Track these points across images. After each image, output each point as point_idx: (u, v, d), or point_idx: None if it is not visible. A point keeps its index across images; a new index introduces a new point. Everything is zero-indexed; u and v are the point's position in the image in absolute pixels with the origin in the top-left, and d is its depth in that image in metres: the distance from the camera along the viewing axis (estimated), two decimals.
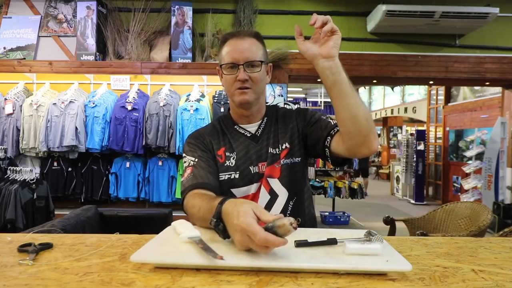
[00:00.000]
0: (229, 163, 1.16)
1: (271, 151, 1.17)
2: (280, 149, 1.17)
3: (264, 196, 1.14)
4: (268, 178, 1.15)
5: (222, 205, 0.78)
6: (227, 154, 1.17)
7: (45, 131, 3.50)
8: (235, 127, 1.22)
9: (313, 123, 1.16)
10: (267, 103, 1.41)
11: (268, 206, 1.13)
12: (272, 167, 1.15)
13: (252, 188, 1.15)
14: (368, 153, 1.01)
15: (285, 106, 3.55)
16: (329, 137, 1.08)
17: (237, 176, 1.14)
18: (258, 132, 1.20)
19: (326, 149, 1.09)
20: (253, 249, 0.69)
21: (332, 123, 1.11)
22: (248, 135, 1.20)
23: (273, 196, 1.14)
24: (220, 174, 1.14)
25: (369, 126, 0.97)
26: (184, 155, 1.19)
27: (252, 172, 1.15)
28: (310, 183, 3.43)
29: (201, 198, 0.96)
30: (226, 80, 1.14)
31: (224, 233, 0.76)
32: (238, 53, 1.10)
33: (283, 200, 1.15)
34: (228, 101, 3.56)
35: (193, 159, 1.14)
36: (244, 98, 1.12)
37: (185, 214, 1.01)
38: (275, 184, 1.15)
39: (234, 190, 1.14)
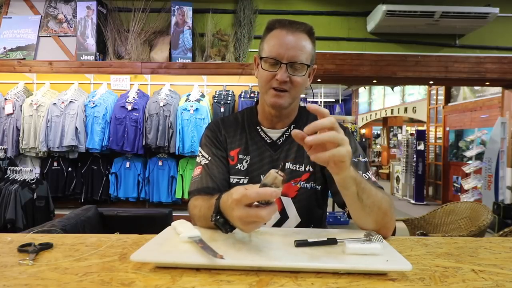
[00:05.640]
0: (241, 166, 1.08)
1: (290, 166, 1.07)
2: (304, 170, 1.07)
3: (275, 215, 1.05)
4: (281, 196, 1.05)
5: (220, 199, 0.78)
6: (241, 156, 1.09)
7: (45, 131, 3.50)
8: (257, 127, 1.12)
9: None
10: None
11: (278, 226, 1.06)
12: (288, 184, 1.06)
13: None
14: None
15: None
16: None
17: (246, 182, 1.07)
18: (280, 141, 1.10)
19: (347, 208, 0.97)
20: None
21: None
22: (268, 141, 1.10)
23: (284, 217, 1.06)
24: (229, 176, 1.09)
25: (378, 223, 0.89)
26: (200, 148, 1.13)
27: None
28: None
29: (202, 199, 0.97)
30: (262, 75, 1.01)
31: (225, 226, 0.76)
32: (284, 49, 0.97)
33: (292, 225, 1.06)
34: (229, 101, 3.65)
35: (207, 156, 1.09)
36: (277, 102, 1.00)
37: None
38: (289, 205, 1.06)
39: None
